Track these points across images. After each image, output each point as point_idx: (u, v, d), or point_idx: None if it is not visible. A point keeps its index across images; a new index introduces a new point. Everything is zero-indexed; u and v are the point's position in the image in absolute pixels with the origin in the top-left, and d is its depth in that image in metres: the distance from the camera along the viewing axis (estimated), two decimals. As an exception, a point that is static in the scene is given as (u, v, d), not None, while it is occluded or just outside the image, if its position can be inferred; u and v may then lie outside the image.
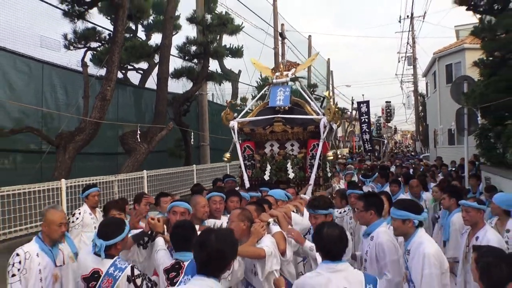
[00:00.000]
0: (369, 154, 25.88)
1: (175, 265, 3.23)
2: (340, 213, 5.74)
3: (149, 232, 3.78)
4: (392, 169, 13.50)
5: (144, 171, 9.49)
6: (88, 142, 8.66)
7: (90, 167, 9.71)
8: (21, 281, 3.47)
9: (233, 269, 3.29)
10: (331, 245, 2.82)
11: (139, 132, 9.71)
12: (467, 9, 9.09)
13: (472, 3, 8.97)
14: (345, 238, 2.91)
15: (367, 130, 25.73)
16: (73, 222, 5.56)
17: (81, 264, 3.27)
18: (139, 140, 9.69)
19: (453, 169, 12.34)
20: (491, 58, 9.14)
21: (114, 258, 3.22)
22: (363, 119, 26.64)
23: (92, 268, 3.14)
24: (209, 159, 14.31)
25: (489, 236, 4.23)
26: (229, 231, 2.97)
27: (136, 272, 3.20)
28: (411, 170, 13.22)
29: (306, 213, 4.62)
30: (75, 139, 8.32)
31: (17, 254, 3.53)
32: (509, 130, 6.75)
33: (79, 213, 5.63)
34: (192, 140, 12.96)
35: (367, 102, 27.36)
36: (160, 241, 3.62)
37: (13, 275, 3.46)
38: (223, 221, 4.43)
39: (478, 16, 9.52)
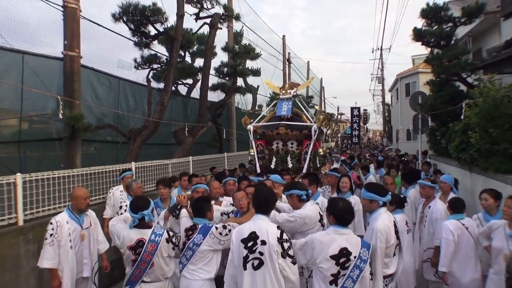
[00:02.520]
0: (354, 145, 25.32)
1: (192, 226, 3.21)
2: (322, 189, 5.64)
3: (178, 206, 3.73)
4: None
5: (190, 157, 9.46)
6: (151, 136, 8.62)
7: (152, 154, 9.67)
8: (51, 243, 3.42)
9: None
10: (344, 213, 2.78)
11: (186, 129, 9.78)
12: (422, 44, 8.96)
13: (425, 40, 8.83)
14: (353, 210, 2.90)
15: (357, 128, 25.26)
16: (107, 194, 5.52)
17: (125, 238, 3.05)
18: (186, 134, 9.72)
19: (404, 158, 12.08)
20: (438, 79, 8.99)
21: (152, 227, 3.12)
22: (355, 120, 25.89)
23: (136, 238, 3.01)
24: (236, 149, 14.30)
25: (438, 205, 4.32)
26: (271, 189, 3.35)
27: (171, 233, 3.18)
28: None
29: None
30: (141, 133, 8.31)
31: (51, 223, 3.48)
32: (450, 131, 6.63)
33: (111, 189, 5.47)
34: (224, 135, 13.01)
35: (359, 108, 26.72)
36: (184, 212, 3.62)
37: (46, 238, 3.44)
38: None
39: (429, 49, 9.37)
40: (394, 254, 3.17)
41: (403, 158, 11.70)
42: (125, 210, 4.59)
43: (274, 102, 7.68)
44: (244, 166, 8.81)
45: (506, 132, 4.76)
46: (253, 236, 2.69)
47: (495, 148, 4.90)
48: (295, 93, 7.18)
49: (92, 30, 8.02)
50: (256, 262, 2.66)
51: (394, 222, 3.17)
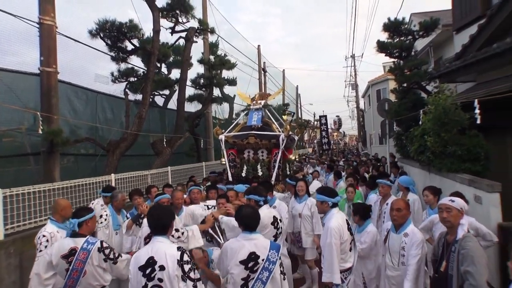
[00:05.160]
0: (326, 152, 25.95)
1: (150, 234, 3.30)
2: (285, 196, 5.88)
3: (142, 216, 3.98)
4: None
5: (169, 167, 9.63)
6: (130, 148, 8.75)
7: (130, 165, 9.76)
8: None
9: (188, 236, 3.50)
10: (248, 220, 2.88)
11: (165, 139, 9.98)
12: (385, 55, 9.59)
13: (388, 51, 9.45)
14: (258, 215, 2.98)
15: (325, 135, 25.96)
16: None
17: (59, 247, 3.06)
18: (165, 145, 9.91)
19: (379, 163, 12.55)
20: (401, 87, 9.59)
21: (86, 237, 3.13)
22: (323, 128, 26.83)
23: (70, 247, 3.03)
24: (213, 158, 14.50)
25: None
26: (167, 206, 3.24)
27: (105, 245, 3.16)
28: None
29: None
30: (120, 145, 8.46)
31: (43, 236, 3.53)
32: (411, 135, 7.10)
33: (92, 203, 5.47)
34: (201, 144, 13.22)
35: (325, 116, 27.72)
36: (145, 221, 3.73)
37: (41, 250, 3.44)
38: (200, 206, 4.57)
39: (393, 60, 9.98)
40: (351, 249, 3.51)
41: (379, 164, 12.20)
42: (105, 220, 4.80)
43: (246, 112, 7.83)
44: (215, 173, 9.00)
45: (454, 136, 5.36)
46: (151, 262, 2.50)
47: (447, 150, 5.45)
48: (265, 104, 7.39)
49: (67, 44, 8.16)
50: None
51: (347, 220, 3.57)
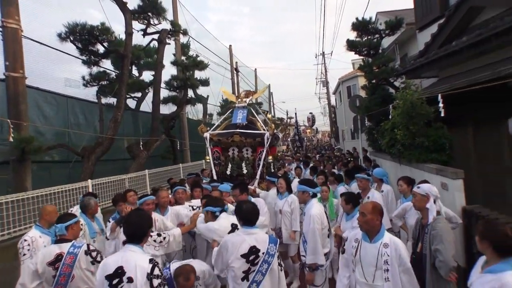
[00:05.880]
0: (299, 149, 26.44)
1: None
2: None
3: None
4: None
5: (146, 170, 9.54)
6: (106, 153, 8.60)
7: (106, 170, 9.46)
8: (31, 257, 3.43)
9: (169, 240, 3.55)
10: (248, 215, 2.95)
11: (141, 143, 9.89)
12: (355, 53, 9.97)
13: (357, 49, 9.82)
14: (257, 211, 3.04)
15: (297, 133, 26.63)
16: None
17: (45, 254, 3.00)
18: (141, 148, 9.81)
19: (351, 158, 12.96)
20: (370, 84, 9.98)
21: (72, 241, 3.11)
22: (294, 126, 27.70)
23: (55, 253, 2.98)
24: (190, 159, 14.47)
25: (375, 195, 4.89)
26: (146, 213, 3.01)
27: (92, 247, 3.14)
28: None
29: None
30: (95, 151, 8.31)
31: (25, 240, 3.58)
32: (382, 129, 7.38)
33: (71, 210, 5.25)
34: (178, 146, 13.17)
35: (295, 114, 28.70)
36: None
37: (24, 254, 3.50)
38: (185, 206, 4.61)
39: (361, 57, 10.36)
40: (328, 236, 3.80)
41: (350, 159, 12.60)
42: (81, 229, 4.71)
43: (230, 110, 7.78)
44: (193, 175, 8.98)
45: (422, 128, 5.71)
46: (119, 272, 2.35)
47: (415, 142, 5.79)
48: (250, 102, 7.43)
49: (34, 47, 7.83)
50: None
51: (324, 210, 3.87)
